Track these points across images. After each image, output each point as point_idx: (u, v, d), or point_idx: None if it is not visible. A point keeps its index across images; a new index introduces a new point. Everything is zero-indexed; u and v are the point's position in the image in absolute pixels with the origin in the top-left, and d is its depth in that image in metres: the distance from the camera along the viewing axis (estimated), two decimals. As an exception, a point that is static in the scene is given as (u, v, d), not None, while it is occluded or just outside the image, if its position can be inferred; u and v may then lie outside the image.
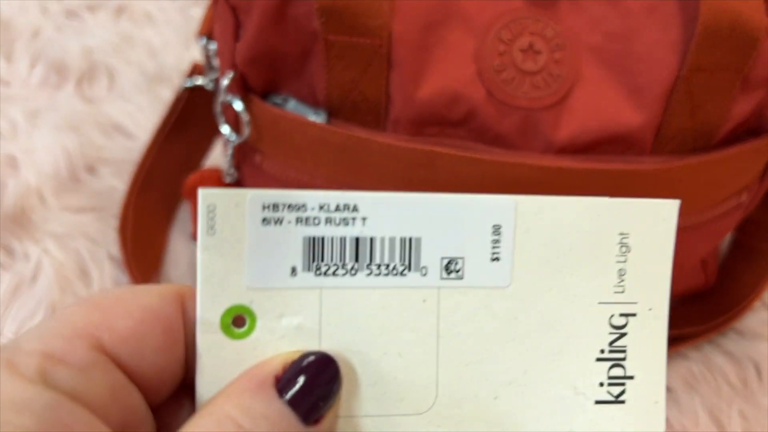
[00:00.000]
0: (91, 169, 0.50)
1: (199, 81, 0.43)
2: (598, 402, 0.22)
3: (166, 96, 0.55)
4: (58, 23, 0.60)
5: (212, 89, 0.42)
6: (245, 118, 0.37)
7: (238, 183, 0.41)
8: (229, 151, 0.39)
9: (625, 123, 0.34)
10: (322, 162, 0.36)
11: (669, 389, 0.42)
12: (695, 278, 0.44)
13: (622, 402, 0.22)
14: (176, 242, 0.47)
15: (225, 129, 0.38)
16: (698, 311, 0.45)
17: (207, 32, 0.39)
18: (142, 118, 0.53)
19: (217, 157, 0.49)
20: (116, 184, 0.49)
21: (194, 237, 0.42)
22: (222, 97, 0.37)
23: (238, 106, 0.37)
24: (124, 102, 0.54)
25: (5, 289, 0.42)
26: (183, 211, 0.48)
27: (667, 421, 0.40)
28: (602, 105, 0.34)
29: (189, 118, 0.47)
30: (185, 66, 0.51)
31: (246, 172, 0.40)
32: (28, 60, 0.57)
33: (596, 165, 0.34)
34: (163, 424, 0.19)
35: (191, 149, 0.48)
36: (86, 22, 0.61)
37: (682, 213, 0.37)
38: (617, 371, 0.22)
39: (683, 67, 0.33)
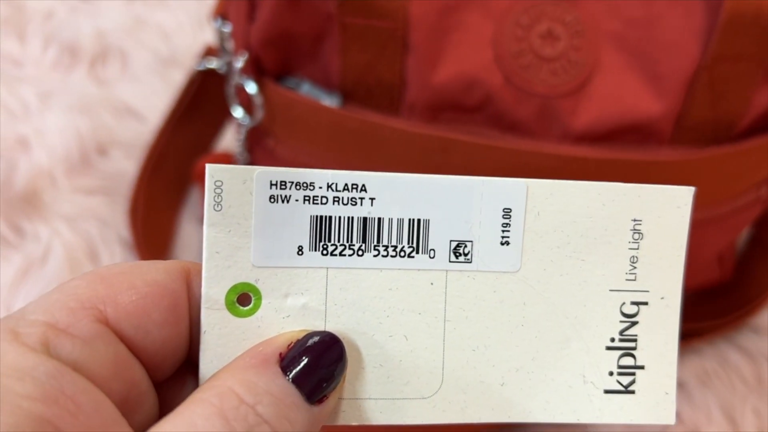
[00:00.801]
0: (102, 151, 0.50)
1: (212, 64, 0.43)
2: (607, 391, 0.21)
3: (178, 79, 0.55)
4: (71, 5, 0.60)
5: (225, 72, 0.41)
6: (258, 101, 0.36)
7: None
8: (242, 135, 0.39)
9: (644, 111, 0.34)
10: (335, 147, 0.36)
11: (681, 385, 0.42)
12: (711, 273, 0.44)
13: (632, 392, 0.21)
14: (187, 226, 0.47)
15: (238, 112, 0.38)
16: (713, 306, 0.44)
17: (221, 13, 0.39)
18: (155, 100, 0.52)
19: (229, 141, 0.48)
20: (127, 166, 0.49)
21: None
22: (235, 80, 0.36)
23: (251, 88, 0.36)
24: (137, 84, 0.54)
25: (16, 270, 0.42)
26: (194, 195, 0.48)
27: (679, 417, 0.40)
28: (622, 93, 0.34)
29: (201, 102, 0.47)
30: (198, 49, 0.51)
31: (258, 155, 0.40)
32: (41, 41, 0.57)
33: (614, 154, 0.34)
34: (166, 400, 0.19)
35: (202, 133, 0.48)
36: (99, 4, 0.61)
37: (699, 205, 0.37)
38: (627, 360, 0.21)
39: (706, 56, 0.33)
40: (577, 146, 0.34)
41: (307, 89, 0.36)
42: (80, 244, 0.43)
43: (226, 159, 0.42)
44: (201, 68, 0.44)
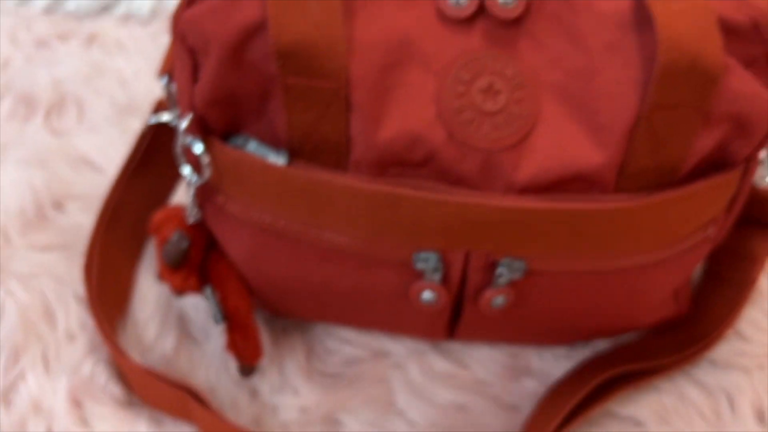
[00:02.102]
0: (58, 205, 0.49)
1: (164, 118, 0.43)
2: None
3: (136, 127, 0.54)
4: (27, 53, 0.60)
5: (175, 126, 0.41)
6: (205, 160, 0.36)
7: (201, 223, 0.40)
8: (191, 192, 0.39)
9: (586, 162, 0.34)
10: (284, 203, 0.36)
11: (640, 422, 0.42)
12: (667, 309, 0.44)
13: None
14: (144, 279, 0.46)
15: (186, 170, 0.38)
16: (671, 342, 0.45)
17: (168, 71, 0.39)
18: (112, 150, 0.52)
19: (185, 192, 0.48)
20: (84, 220, 0.48)
21: (159, 277, 0.41)
22: (181, 140, 0.36)
23: (197, 148, 0.36)
24: (94, 134, 0.54)
25: (-32, 332, 0.41)
26: (152, 247, 0.48)
27: (640, 455, 0.40)
28: (564, 144, 0.34)
29: (155, 154, 0.47)
30: (156, 95, 0.51)
31: (209, 211, 0.40)
32: (-4, 92, 0.56)
33: (558, 205, 0.34)
34: None
35: (158, 185, 0.48)
36: (57, 51, 0.61)
37: (647, 249, 0.37)
38: None
39: (644, 106, 0.33)
40: (521, 198, 0.34)
41: (254, 147, 0.36)
42: (34, 304, 0.43)
43: (180, 213, 0.42)
44: (153, 122, 0.44)
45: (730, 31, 0.34)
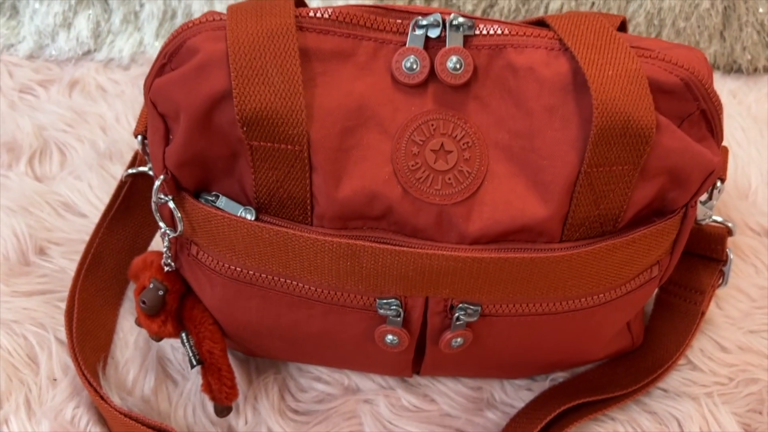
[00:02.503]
0: (41, 251, 0.51)
1: (143, 168, 0.45)
2: None
3: (117, 172, 0.57)
4: (11, 100, 0.62)
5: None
6: (178, 215, 0.39)
7: (176, 272, 0.43)
8: (166, 244, 0.41)
9: (532, 215, 0.37)
10: (253, 255, 0.38)
11: (597, 452, 0.44)
12: (622, 341, 0.47)
13: None
14: (125, 322, 0.48)
15: (161, 224, 0.40)
16: (626, 373, 0.47)
17: (142, 131, 0.41)
18: (93, 196, 0.54)
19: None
20: (67, 265, 0.50)
21: (138, 323, 0.44)
22: (155, 197, 0.39)
23: (170, 205, 0.38)
24: (76, 180, 0.56)
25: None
26: (132, 291, 0.50)
27: (595, 483, 0.42)
28: (510, 199, 0.37)
29: (135, 201, 0.49)
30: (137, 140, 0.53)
31: (184, 261, 0.42)
32: (-20, 139, 0.58)
33: (507, 254, 0.36)
34: None
35: (138, 231, 0.50)
36: (39, 97, 0.63)
37: (594, 292, 0.40)
38: None
39: (583, 163, 0.36)
40: (473, 248, 0.37)
41: (224, 203, 0.39)
42: (17, 349, 0.45)
43: (158, 259, 0.44)
44: (133, 171, 0.47)
45: (662, 91, 0.36)
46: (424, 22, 0.36)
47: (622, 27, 0.43)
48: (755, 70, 0.73)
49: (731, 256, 0.47)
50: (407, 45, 0.37)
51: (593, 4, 0.70)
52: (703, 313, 0.48)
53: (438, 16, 0.36)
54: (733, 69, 0.73)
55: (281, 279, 0.39)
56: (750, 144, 0.65)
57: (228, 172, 0.38)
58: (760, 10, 0.70)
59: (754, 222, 0.57)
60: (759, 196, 0.60)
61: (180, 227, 0.39)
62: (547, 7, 0.70)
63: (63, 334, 0.46)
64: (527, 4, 0.71)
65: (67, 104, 0.62)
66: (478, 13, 0.71)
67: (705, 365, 0.48)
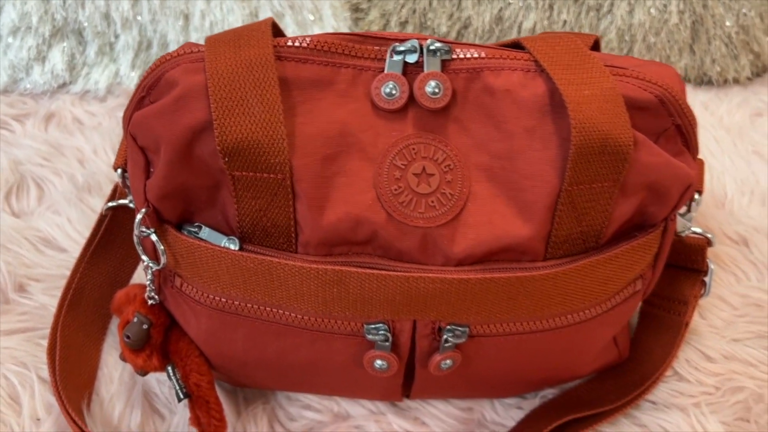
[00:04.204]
0: (20, 288, 0.50)
1: (123, 201, 0.45)
2: None
3: (96, 205, 0.56)
4: (-14, 135, 0.61)
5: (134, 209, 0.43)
6: (161, 248, 0.38)
7: (160, 305, 0.42)
8: (149, 277, 0.41)
9: (515, 235, 0.37)
10: (238, 284, 0.38)
11: (589, 467, 0.44)
12: (609, 355, 0.47)
13: None
14: (109, 357, 0.48)
15: (144, 257, 0.40)
16: (614, 387, 0.47)
17: (122, 164, 0.41)
18: (72, 230, 0.54)
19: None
20: (48, 301, 0.49)
21: (123, 358, 0.43)
22: (137, 230, 0.38)
23: (153, 238, 0.38)
24: (54, 214, 0.55)
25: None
26: (115, 326, 0.49)
27: (589, 500, 0.42)
28: (493, 219, 0.37)
29: (116, 235, 0.48)
30: (114, 173, 0.53)
31: (167, 293, 0.41)
32: (-44, 175, 0.57)
33: (492, 275, 0.37)
34: None
35: (120, 265, 0.49)
36: (15, 132, 0.62)
37: (578, 308, 0.40)
38: None
39: (564, 182, 0.36)
40: (458, 270, 0.37)
41: (207, 234, 0.38)
42: None
43: (141, 292, 0.43)
44: (113, 204, 0.46)
45: (638, 108, 0.37)
46: (402, 48, 0.37)
47: (596, 46, 0.44)
48: (725, 81, 0.75)
49: (712, 266, 0.48)
50: (386, 71, 0.37)
51: (565, 22, 0.71)
52: (687, 324, 0.49)
53: (415, 42, 0.37)
54: (703, 81, 0.75)
55: (267, 308, 0.39)
56: (724, 154, 0.66)
57: (210, 203, 0.38)
58: (727, 23, 0.72)
59: (732, 231, 0.58)
60: (735, 204, 0.61)
61: (163, 260, 0.39)
62: (520, 26, 0.71)
63: (45, 373, 0.45)
64: (500, 24, 0.72)
65: (43, 138, 0.61)
66: (453, 34, 0.72)
67: (691, 375, 0.48)
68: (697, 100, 0.73)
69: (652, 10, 0.70)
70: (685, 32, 0.72)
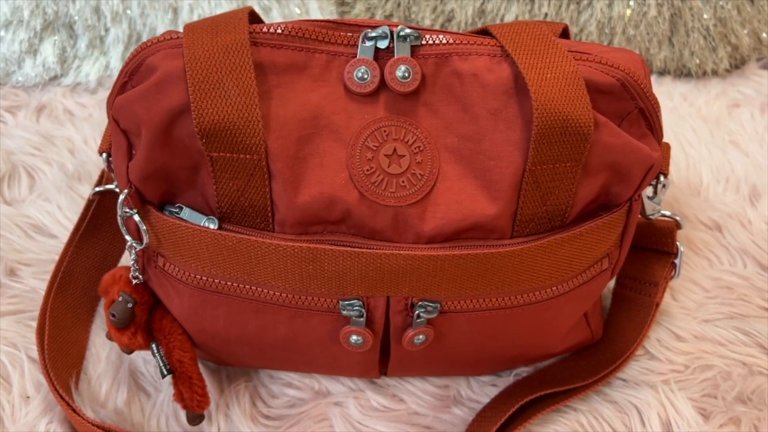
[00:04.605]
0: (11, 272, 0.52)
1: (109, 186, 0.47)
2: None
3: (86, 193, 0.58)
4: (-21, 126, 0.63)
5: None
6: (143, 227, 0.40)
7: (144, 284, 0.44)
8: (133, 257, 0.42)
9: (483, 213, 0.38)
10: (217, 263, 0.40)
11: (560, 442, 0.46)
12: (581, 334, 0.49)
13: None
14: (97, 337, 0.49)
15: (128, 237, 0.41)
16: (586, 365, 0.49)
17: (107, 149, 0.42)
18: (63, 217, 0.55)
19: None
20: (37, 285, 0.51)
21: (109, 337, 0.44)
22: (121, 211, 0.40)
23: (135, 218, 0.40)
24: (45, 202, 0.57)
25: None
26: (102, 308, 0.50)
27: (559, 472, 0.44)
28: (461, 199, 0.38)
29: (103, 219, 0.50)
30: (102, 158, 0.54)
31: (151, 273, 0.43)
32: (-51, 165, 0.59)
33: (461, 251, 0.38)
34: None
35: (107, 248, 0.51)
36: (7, 123, 0.64)
37: (547, 285, 0.41)
38: None
39: (528, 162, 0.38)
40: (429, 247, 0.39)
41: (187, 214, 0.40)
42: (-10, 370, 0.45)
43: (126, 274, 0.45)
44: (100, 189, 0.48)
45: (600, 91, 0.39)
46: (373, 34, 0.38)
47: (565, 34, 0.45)
48: (704, 73, 0.77)
49: (681, 248, 0.49)
50: (358, 56, 0.38)
51: (546, 15, 0.73)
52: (657, 305, 0.51)
53: (386, 29, 0.38)
54: (683, 73, 0.77)
55: (246, 286, 0.40)
56: (701, 143, 0.68)
57: (190, 184, 0.40)
58: (705, 16, 0.73)
59: (706, 217, 0.60)
60: (710, 192, 0.63)
61: (146, 239, 0.40)
62: (502, 19, 0.73)
63: (35, 353, 0.47)
64: (483, 17, 0.73)
65: (34, 129, 0.63)
66: (437, 27, 0.73)
67: (662, 354, 0.50)
68: (676, 91, 0.74)
69: (631, 2, 0.72)
70: (664, 25, 0.73)
